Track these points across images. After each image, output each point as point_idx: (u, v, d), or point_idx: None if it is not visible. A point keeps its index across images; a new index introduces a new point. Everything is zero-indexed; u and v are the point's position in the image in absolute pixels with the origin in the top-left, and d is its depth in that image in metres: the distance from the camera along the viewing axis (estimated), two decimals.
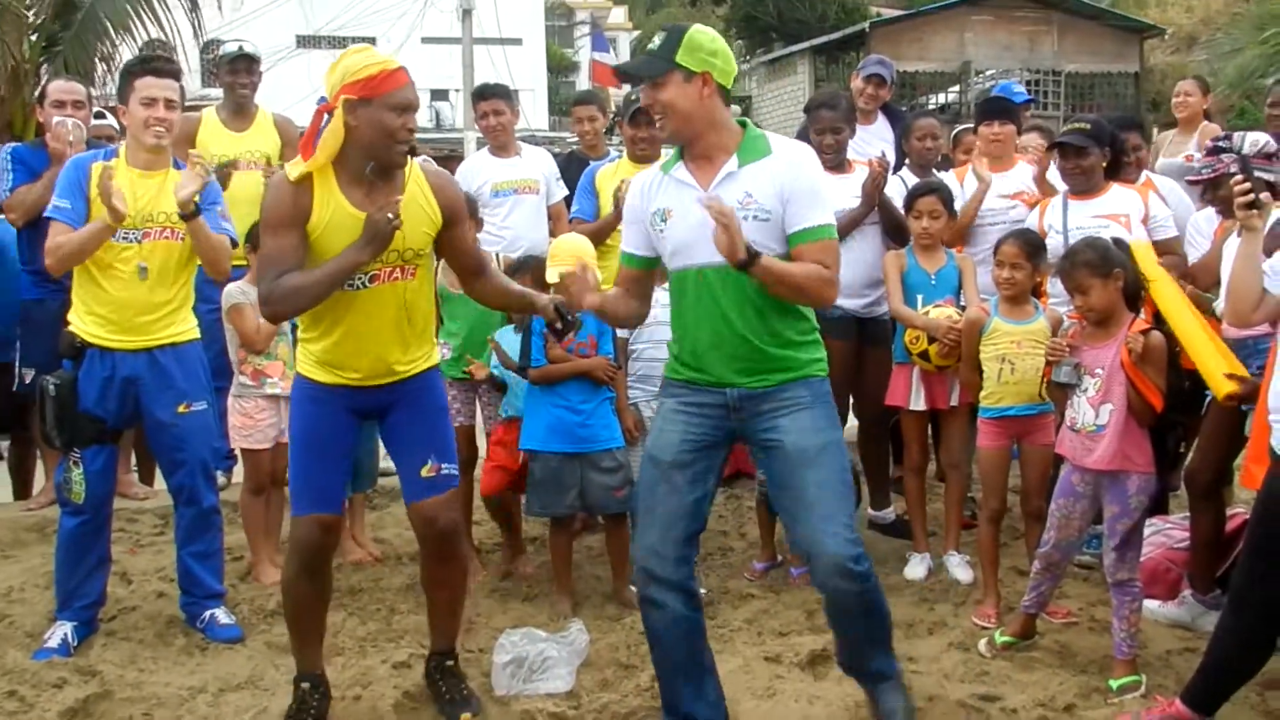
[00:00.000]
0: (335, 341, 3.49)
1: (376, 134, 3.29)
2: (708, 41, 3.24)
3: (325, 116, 3.33)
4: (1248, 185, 3.49)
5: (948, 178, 5.55)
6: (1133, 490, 3.89)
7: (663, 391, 3.52)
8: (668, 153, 5.92)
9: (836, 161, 5.18)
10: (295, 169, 3.37)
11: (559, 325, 3.71)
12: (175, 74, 4.18)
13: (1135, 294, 3.97)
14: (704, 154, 3.29)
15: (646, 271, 3.49)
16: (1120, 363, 3.86)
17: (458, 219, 3.60)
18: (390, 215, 3.27)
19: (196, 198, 4.10)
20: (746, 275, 3.14)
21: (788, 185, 3.20)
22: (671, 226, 3.32)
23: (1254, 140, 4.23)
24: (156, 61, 4.18)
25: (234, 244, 4.39)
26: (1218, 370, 3.88)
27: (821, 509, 3.22)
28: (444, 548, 3.68)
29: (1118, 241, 4.16)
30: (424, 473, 3.61)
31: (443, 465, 3.63)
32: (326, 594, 3.73)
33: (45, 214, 4.20)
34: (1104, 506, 3.96)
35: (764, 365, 3.27)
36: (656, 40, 3.29)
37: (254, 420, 4.88)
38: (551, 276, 4.39)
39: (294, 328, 5.05)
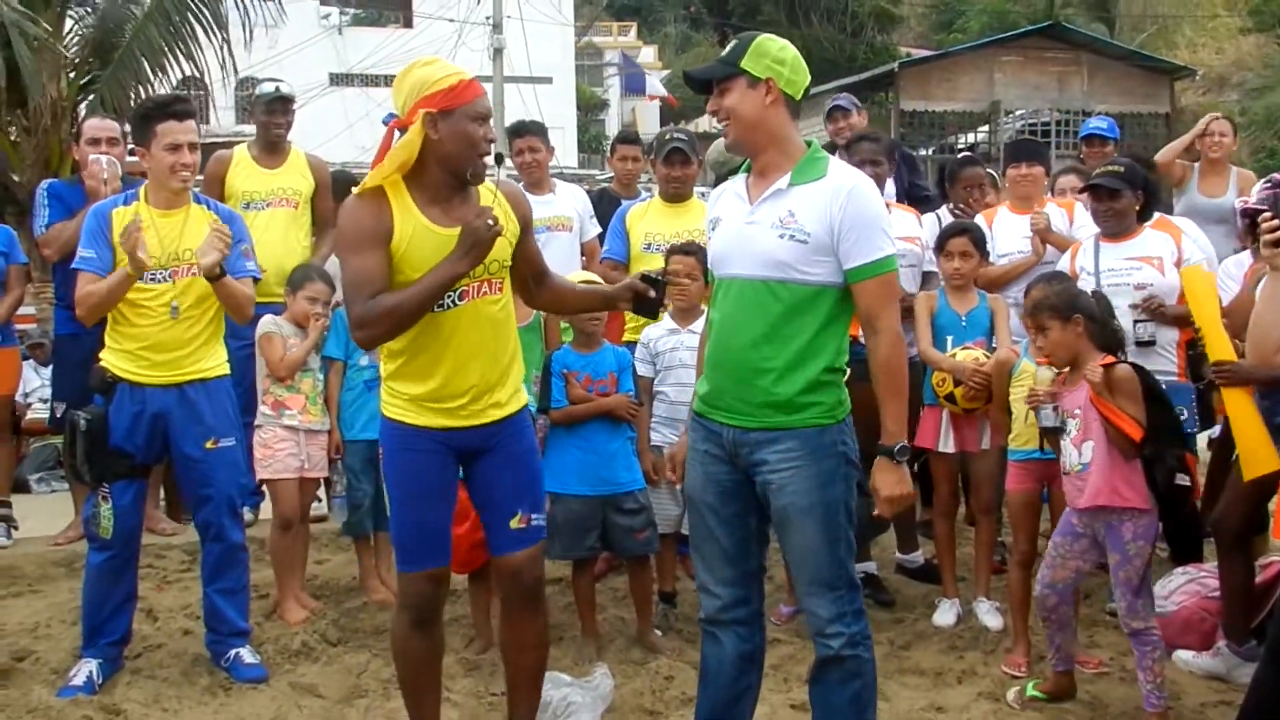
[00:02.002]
0: (432, 371, 3.33)
1: (460, 144, 3.21)
2: (775, 49, 3.21)
3: (396, 133, 3.26)
4: (1278, 223, 3.45)
5: (977, 219, 5.53)
6: (1129, 536, 3.86)
7: (690, 419, 3.49)
8: (700, 191, 6.01)
9: None
10: (369, 183, 3.28)
11: (653, 294, 3.57)
12: (193, 114, 4.21)
13: (1107, 341, 3.99)
14: (762, 169, 3.27)
15: None
16: (1089, 398, 3.89)
17: (528, 226, 3.53)
18: (490, 223, 3.18)
19: (224, 253, 4.12)
20: (775, 295, 3.15)
21: (837, 214, 3.12)
22: (717, 234, 3.33)
23: None
24: (176, 105, 4.18)
25: (255, 280, 4.41)
26: (1259, 448, 3.89)
27: (805, 573, 3.24)
28: (531, 603, 3.54)
29: (1096, 293, 4.20)
30: (514, 524, 3.47)
31: (533, 516, 3.50)
32: (440, 649, 3.57)
33: (72, 265, 4.24)
34: (1107, 553, 3.93)
35: (769, 392, 3.18)
36: (728, 46, 3.29)
37: (272, 450, 4.88)
38: None
39: (326, 365, 5.10)
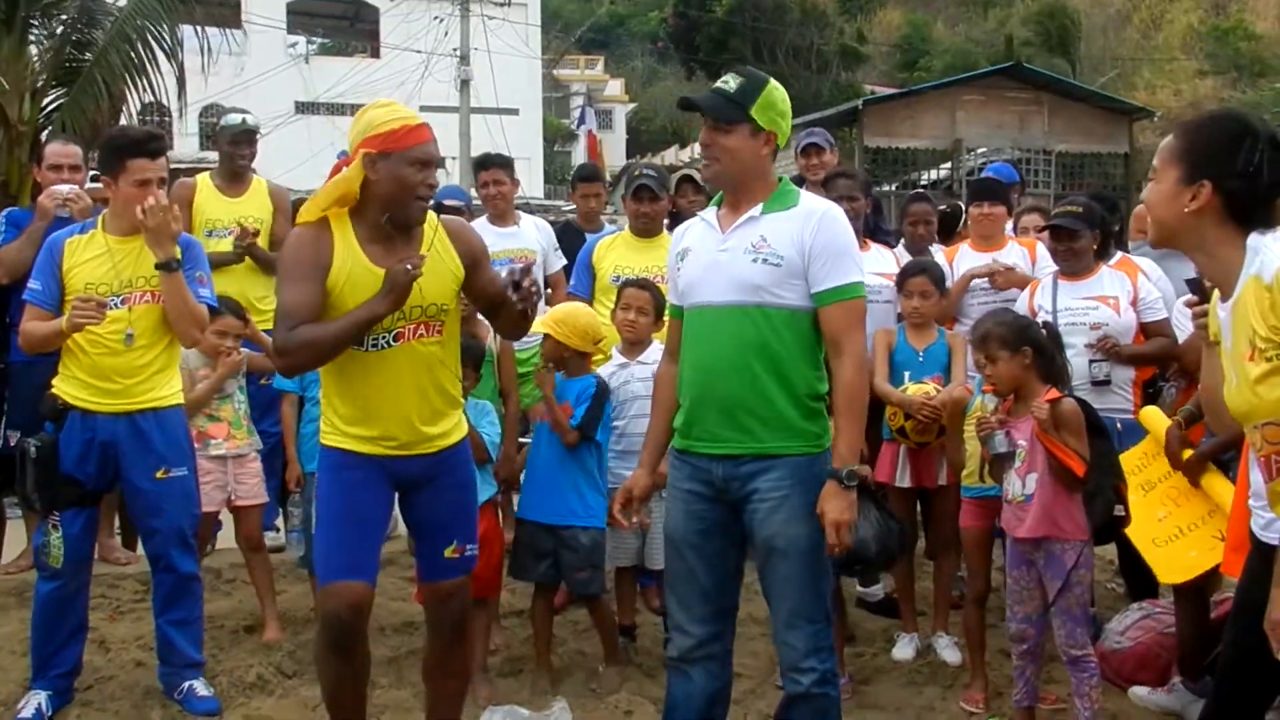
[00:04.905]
0: (364, 407, 3.36)
1: (396, 188, 3.24)
2: (781, 102, 3.27)
3: (344, 170, 3.30)
4: (1205, 308, 3.46)
5: (937, 255, 5.59)
6: (1070, 563, 3.91)
7: (669, 458, 3.49)
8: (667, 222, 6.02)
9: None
10: (304, 214, 3.33)
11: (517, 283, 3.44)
12: (165, 151, 4.20)
13: (1051, 374, 4.06)
14: (735, 202, 3.32)
15: None
16: (1034, 432, 3.95)
17: (478, 262, 3.53)
18: (409, 267, 3.20)
19: (177, 252, 4.08)
20: (752, 319, 3.18)
21: (809, 239, 3.19)
22: (687, 264, 3.36)
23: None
24: (150, 143, 4.15)
25: (211, 309, 4.38)
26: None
27: (786, 604, 3.26)
28: (457, 629, 3.59)
29: (1047, 325, 4.29)
30: (448, 553, 3.51)
31: (466, 547, 3.54)
32: (363, 673, 3.52)
33: (23, 296, 4.22)
34: (1045, 582, 3.97)
35: (755, 418, 3.21)
36: (732, 81, 3.27)
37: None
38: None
39: (250, 387, 5.07)
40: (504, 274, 3.49)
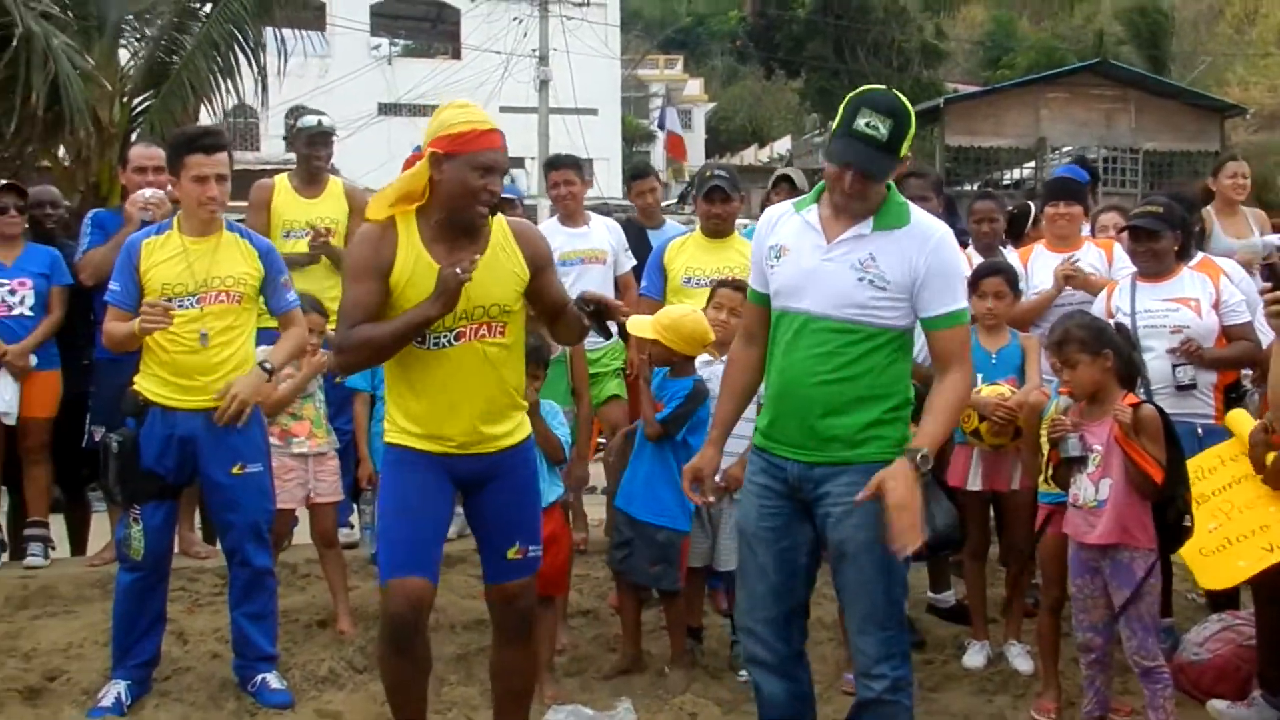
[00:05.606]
0: (426, 407, 3.39)
1: (458, 190, 3.26)
2: (914, 123, 3.22)
3: (415, 165, 3.35)
4: (1278, 295, 3.40)
5: (1011, 256, 5.50)
6: (1140, 572, 3.84)
7: (749, 453, 3.51)
8: (741, 222, 6.02)
9: None
10: (371, 208, 3.39)
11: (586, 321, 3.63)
12: (223, 147, 4.27)
13: (1129, 375, 3.99)
14: (844, 208, 3.28)
15: (769, 310, 3.42)
16: (1115, 437, 3.86)
17: (543, 265, 3.53)
18: (459, 270, 3.22)
19: (257, 370, 4.30)
20: (848, 335, 3.18)
21: (920, 264, 3.18)
22: (783, 265, 3.32)
23: None
24: (205, 139, 4.24)
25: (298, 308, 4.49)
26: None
27: (858, 610, 3.24)
28: (522, 630, 3.60)
29: (1119, 326, 4.23)
30: (510, 555, 3.53)
31: (529, 548, 3.56)
32: (424, 669, 3.56)
33: (104, 298, 4.35)
34: (1111, 591, 3.90)
35: (830, 433, 3.21)
36: (880, 126, 3.12)
37: (280, 480, 4.83)
38: (634, 328, 4.58)
39: (328, 387, 5.15)
40: (577, 296, 3.57)
